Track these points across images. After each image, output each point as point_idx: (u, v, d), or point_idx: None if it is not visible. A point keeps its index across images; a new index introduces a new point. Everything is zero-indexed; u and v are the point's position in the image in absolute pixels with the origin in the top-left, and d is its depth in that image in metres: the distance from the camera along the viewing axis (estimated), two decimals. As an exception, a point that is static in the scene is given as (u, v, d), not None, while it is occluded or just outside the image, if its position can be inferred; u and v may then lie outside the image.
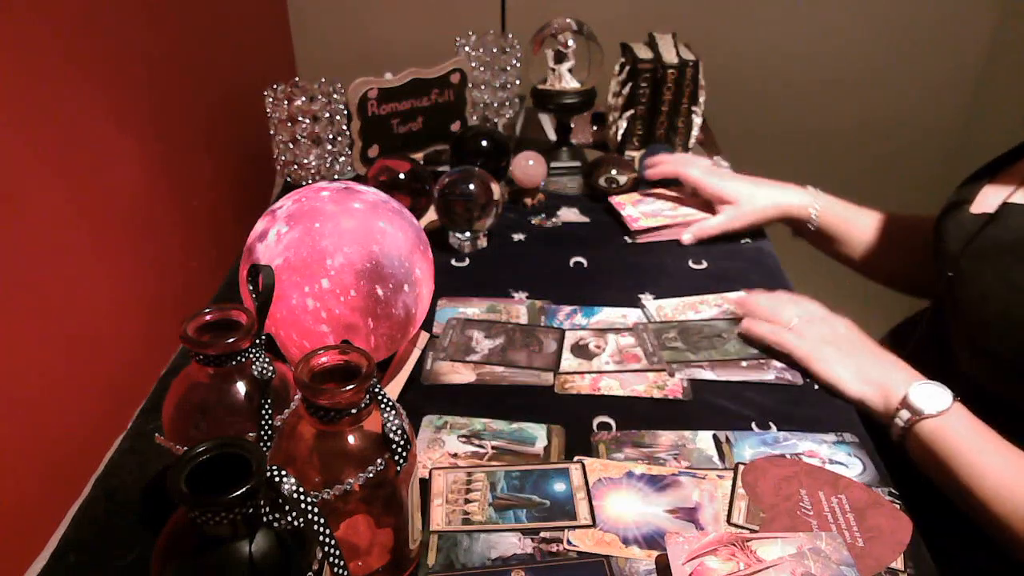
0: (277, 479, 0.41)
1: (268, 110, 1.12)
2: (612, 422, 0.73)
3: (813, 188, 1.03)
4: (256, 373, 0.56)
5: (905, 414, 0.69)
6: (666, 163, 1.11)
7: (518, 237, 1.06)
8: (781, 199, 1.02)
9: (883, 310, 1.05)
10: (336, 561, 0.44)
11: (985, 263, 0.73)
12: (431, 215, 1.04)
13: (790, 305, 0.84)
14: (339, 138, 1.16)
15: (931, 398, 0.69)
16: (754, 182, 1.05)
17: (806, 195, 1.02)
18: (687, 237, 1.04)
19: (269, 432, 0.56)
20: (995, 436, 0.66)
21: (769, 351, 0.81)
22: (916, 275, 0.98)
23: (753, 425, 0.72)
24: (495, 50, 1.28)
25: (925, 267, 0.96)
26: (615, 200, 1.11)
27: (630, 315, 0.89)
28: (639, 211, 1.08)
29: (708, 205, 1.06)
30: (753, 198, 1.02)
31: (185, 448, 0.41)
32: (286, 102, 1.10)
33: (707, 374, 0.79)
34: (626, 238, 1.06)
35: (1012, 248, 0.71)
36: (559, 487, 0.65)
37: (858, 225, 1.00)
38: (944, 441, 0.67)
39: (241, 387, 0.57)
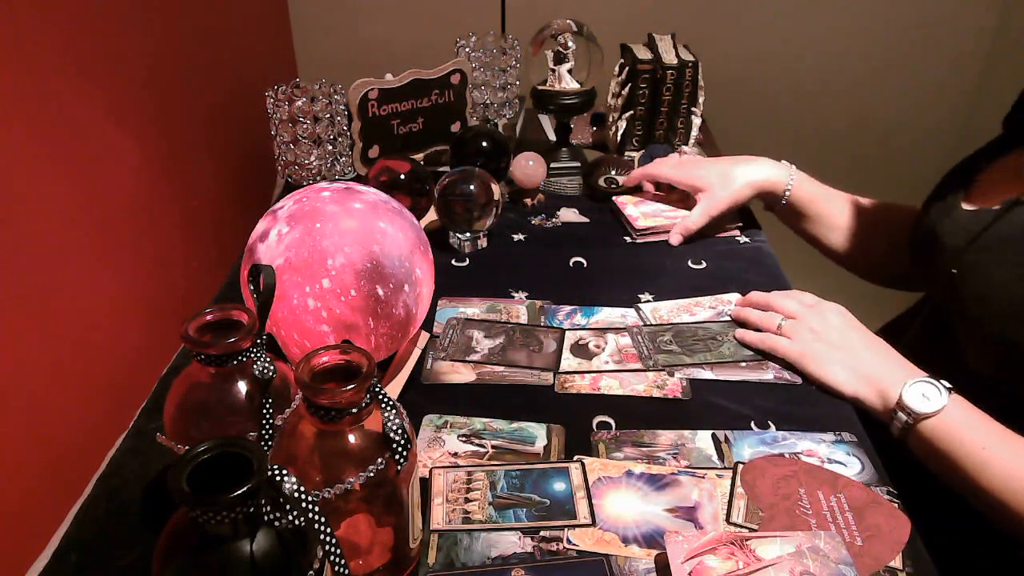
0: (278, 478, 0.42)
1: (269, 111, 1.12)
2: (612, 421, 0.73)
3: (787, 163, 1.02)
4: (257, 373, 0.56)
5: (903, 416, 0.69)
6: (636, 171, 1.11)
7: (518, 237, 1.07)
8: (754, 175, 1.01)
9: (880, 308, 1.05)
10: (337, 560, 0.44)
11: (991, 256, 0.73)
12: (431, 215, 1.04)
13: (780, 302, 0.84)
14: (340, 139, 1.16)
15: (926, 398, 0.69)
16: (726, 163, 1.04)
17: (781, 169, 1.02)
18: (674, 239, 1.04)
19: (270, 431, 0.56)
20: (997, 426, 0.66)
21: (765, 353, 0.82)
22: (885, 262, 0.98)
23: (752, 424, 0.73)
24: (495, 51, 1.29)
25: (895, 255, 0.96)
26: (619, 200, 1.11)
27: (629, 315, 0.89)
28: (640, 211, 1.08)
29: None
30: (725, 180, 1.01)
31: (186, 448, 0.41)
32: (287, 103, 1.10)
33: (706, 374, 0.79)
34: (626, 238, 1.06)
35: (1020, 241, 0.71)
36: (559, 486, 0.65)
37: (829, 204, 1.01)
38: (946, 439, 0.67)
39: (242, 387, 0.57)
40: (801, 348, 0.78)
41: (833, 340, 0.78)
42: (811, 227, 1.03)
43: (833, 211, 1.01)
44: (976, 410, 0.68)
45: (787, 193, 1.00)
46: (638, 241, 1.05)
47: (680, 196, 1.10)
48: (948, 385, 0.69)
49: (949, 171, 0.86)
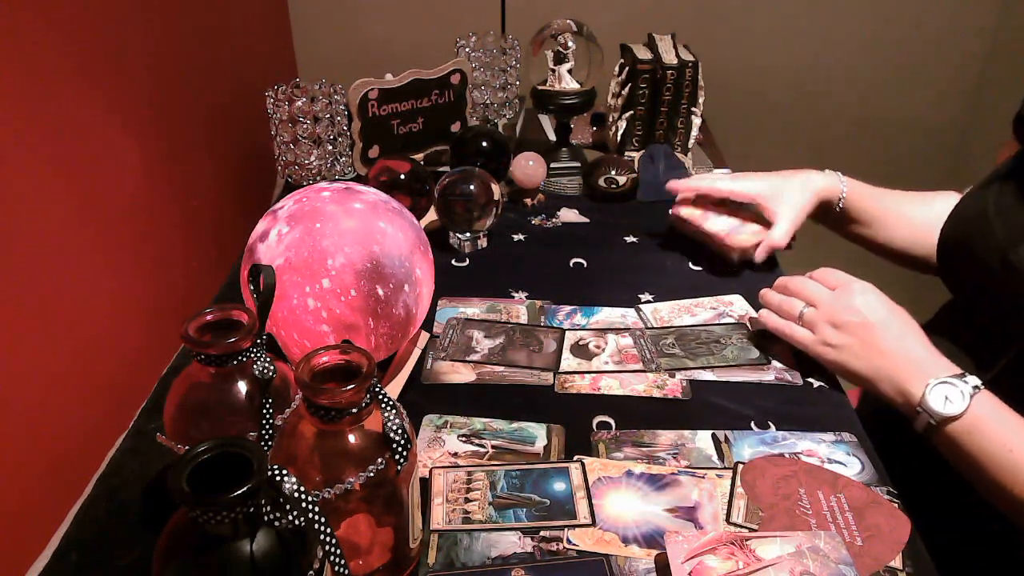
0: (278, 478, 0.42)
1: (269, 111, 1.12)
2: (612, 421, 0.73)
3: (831, 171, 0.98)
4: (257, 373, 0.56)
5: (926, 416, 0.68)
6: (686, 187, 1.02)
7: (518, 237, 1.07)
8: (812, 185, 0.96)
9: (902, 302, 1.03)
10: (337, 560, 0.44)
11: None
12: (431, 215, 1.04)
13: (802, 286, 0.80)
14: (340, 139, 1.16)
15: (949, 400, 0.67)
16: (780, 176, 0.98)
17: (831, 176, 0.97)
18: (761, 256, 0.96)
19: (270, 431, 0.56)
20: None
21: (767, 356, 0.81)
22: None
23: (752, 424, 0.73)
24: (495, 51, 1.29)
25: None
26: (691, 217, 1.00)
27: (629, 315, 0.89)
28: (726, 227, 0.99)
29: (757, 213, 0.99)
30: (791, 192, 0.95)
31: (186, 448, 0.41)
32: (287, 103, 1.10)
33: (707, 374, 0.79)
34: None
35: None
36: (559, 486, 0.65)
37: (883, 203, 0.97)
38: (971, 440, 0.66)
39: (242, 387, 0.57)
40: (821, 343, 0.76)
41: (854, 332, 0.74)
42: (866, 231, 0.98)
43: (888, 210, 0.96)
44: (1007, 409, 0.66)
45: (841, 200, 0.96)
46: (736, 261, 0.98)
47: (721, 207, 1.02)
48: (976, 383, 0.66)
49: (974, 190, 0.81)
